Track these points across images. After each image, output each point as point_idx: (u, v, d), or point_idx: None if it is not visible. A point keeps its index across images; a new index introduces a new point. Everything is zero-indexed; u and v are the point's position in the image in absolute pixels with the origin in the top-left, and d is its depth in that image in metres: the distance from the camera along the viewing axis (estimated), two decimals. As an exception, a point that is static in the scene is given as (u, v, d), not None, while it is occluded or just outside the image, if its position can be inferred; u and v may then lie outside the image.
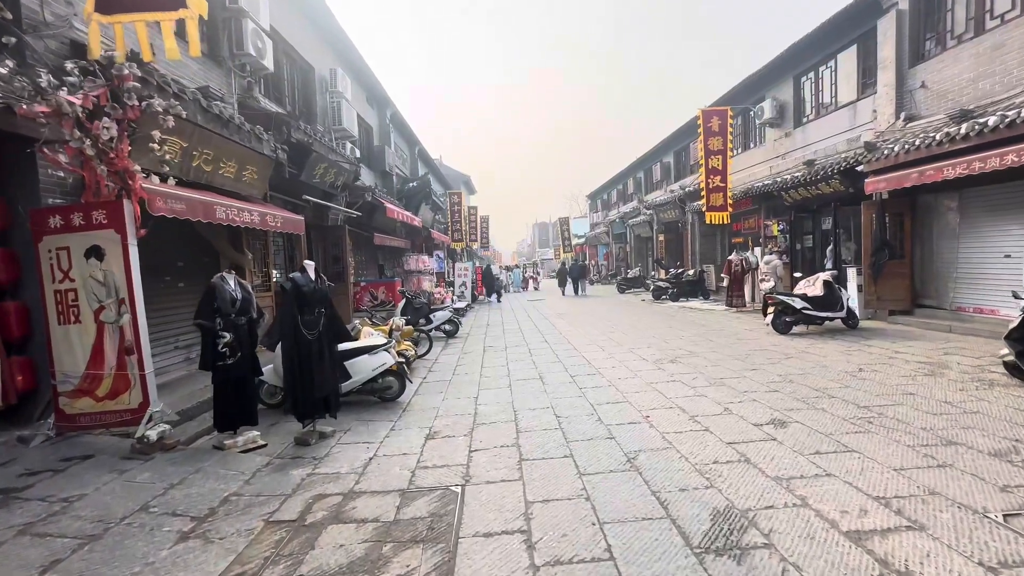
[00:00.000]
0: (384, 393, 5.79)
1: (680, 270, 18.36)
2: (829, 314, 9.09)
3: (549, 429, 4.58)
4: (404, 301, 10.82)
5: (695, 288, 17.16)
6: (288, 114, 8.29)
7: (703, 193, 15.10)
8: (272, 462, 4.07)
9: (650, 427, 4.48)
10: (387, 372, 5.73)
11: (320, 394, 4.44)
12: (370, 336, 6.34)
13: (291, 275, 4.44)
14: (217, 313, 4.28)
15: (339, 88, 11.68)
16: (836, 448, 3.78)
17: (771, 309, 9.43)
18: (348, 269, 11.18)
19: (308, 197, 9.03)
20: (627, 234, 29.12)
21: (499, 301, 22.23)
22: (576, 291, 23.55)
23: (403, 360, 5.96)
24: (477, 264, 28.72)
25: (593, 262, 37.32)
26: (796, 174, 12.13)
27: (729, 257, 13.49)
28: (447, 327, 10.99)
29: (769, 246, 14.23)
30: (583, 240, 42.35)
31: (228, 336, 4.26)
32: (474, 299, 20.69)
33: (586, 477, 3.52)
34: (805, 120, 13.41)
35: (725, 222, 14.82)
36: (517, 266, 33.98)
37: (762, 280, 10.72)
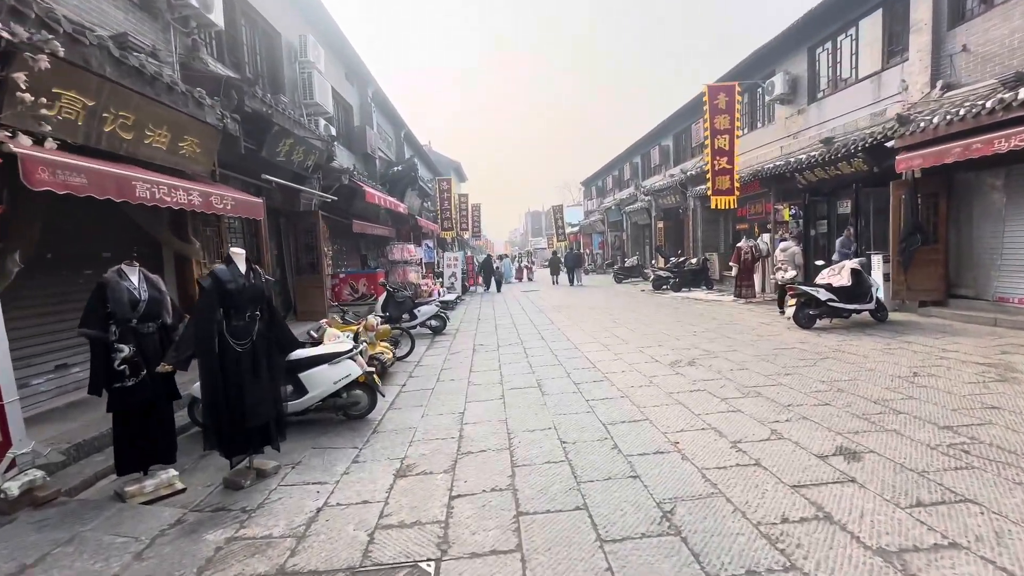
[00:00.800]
0: (351, 410, 4.76)
1: (682, 258, 17.40)
2: (857, 306, 8.17)
3: (553, 462, 3.58)
4: (385, 295, 9.76)
5: (698, 277, 16.23)
6: (243, 80, 7.13)
7: (708, 176, 14.09)
8: (185, 518, 3.04)
9: (682, 459, 3.49)
10: (353, 384, 4.70)
11: (255, 422, 3.39)
12: (335, 340, 5.28)
13: (212, 268, 3.36)
14: (111, 319, 3.21)
15: (310, 58, 10.46)
16: (942, 496, 2.81)
17: (792, 301, 8.49)
18: (323, 259, 10.07)
19: (269, 177, 7.90)
20: (623, 221, 28.12)
21: (499, 291, 21.54)
22: (572, 281, 22.59)
23: (373, 370, 4.92)
24: (468, 253, 27.64)
25: (588, 251, 36.33)
26: (812, 153, 11.14)
27: (738, 244, 12.53)
28: (433, 323, 9.95)
29: (780, 232, 13.26)
30: (577, 228, 41.29)
31: (127, 349, 3.20)
32: (465, 290, 19.67)
33: (609, 547, 2.53)
34: (820, 95, 12.40)
35: (732, 207, 13.83)
36: (507, 255, 32.77)
37: (778, 269, 9.78)
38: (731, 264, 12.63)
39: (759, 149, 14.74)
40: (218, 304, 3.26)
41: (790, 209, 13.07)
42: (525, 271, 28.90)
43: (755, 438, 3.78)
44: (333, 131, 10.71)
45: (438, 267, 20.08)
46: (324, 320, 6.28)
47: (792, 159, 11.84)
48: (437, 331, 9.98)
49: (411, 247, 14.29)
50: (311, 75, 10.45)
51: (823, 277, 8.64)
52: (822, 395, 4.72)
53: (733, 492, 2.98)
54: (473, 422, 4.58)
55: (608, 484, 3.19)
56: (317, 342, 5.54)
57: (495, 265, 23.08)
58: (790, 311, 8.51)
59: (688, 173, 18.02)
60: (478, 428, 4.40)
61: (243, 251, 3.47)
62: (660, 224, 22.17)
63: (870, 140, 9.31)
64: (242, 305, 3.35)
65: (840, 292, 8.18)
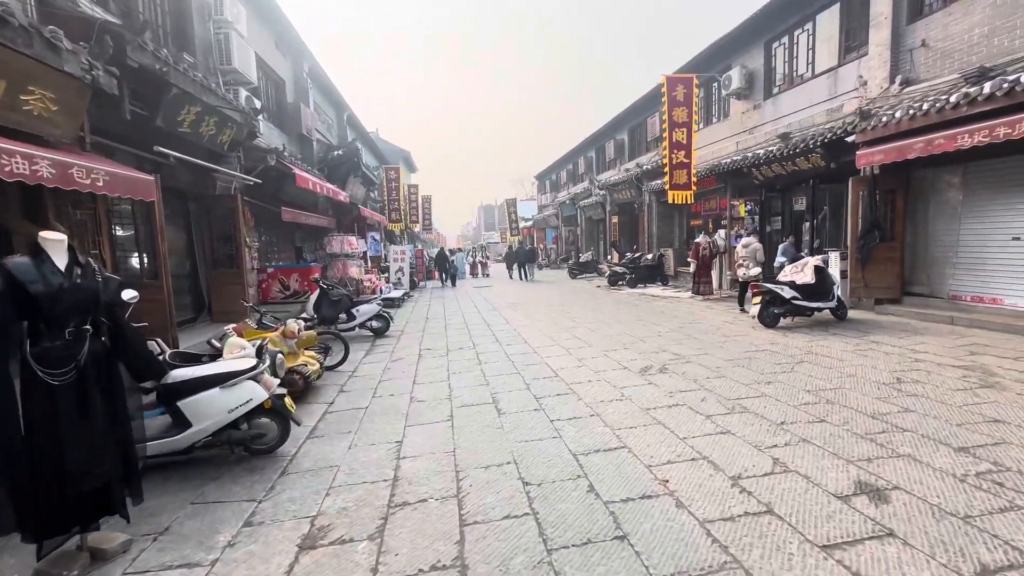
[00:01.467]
0: (254, 443, 3.71)
1: (637, 254, 17.12)
2: (819, 304, 7.94)
3: (514, 516, 2.75)
4: (318, 293, 8.58)
5: (654, 273, 15.99)
6: (125, 26, 5.73)
7: (665, 170, 13.75)
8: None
9: (677, 506, 2.77)
10: (258, 411, 3.66)
11: (81, 486, 2.32)
12: (238, 353, 4.19)
13: (4, 261, 2.23)
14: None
15: (227, 16, 8.98)
16: (1007, 557, 2.23)
17: (756, 299, 8.15)
18: (243, 250, 8.69)
19: (165, 150, 6.51)
20: (578, 216, 27.80)
21: (454, 285, 21.10)
22: (524, 276, 21.97)
23: (284, 392, 3.88)
24: (418, 247, 26.33)
25: (542, 246, 35.90)
26: (770, 148, 10.96)
27: (696, 240, 12.25)
28: (375, 324, 8.87)
29: (736, 228, 13.15)
30: (531, 223, 40.78)
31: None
32: (414, 286, 18.53)
33: (602, 672, 1.73)
34: (777, 91, 12.30)
35: (689, 202, 13.56)
36: (460, 249, 31.52)
37: (739, 265, 9.48)
38: (689, 260, 12.34)
39: (715, 144, 14.60)
40: (13, 315, 2.16)
41: (746, 205, 12.96)
42: (479, 266, 27.39)
43: (757, 471, 3.13)
44: (257, 104, 9.30)
45: (385, 261, 18.76)
46: (231, 326, 5.12)
47: (749, 154, 11.66)
48: (379, 333, 8.91)
49: (352, 239, 13.01)
50: (228, 36, 8.98)
51: (786, 274, 8.36)
52: (813, 409, 4.18)
53: (752, 559, 2.28)
54: (413, 455, 3.67)
55: (588, 553, 2.40)
56: (217, 354, 4.41)
57: (450, 259, 22.38)
58: (754, 309, 8.17)
59: (644, 167, 17.75)
60: (418, 464, 3.50)
61: (63, 236, 2.37)
62: (615, 219, 21.92)
63: (829, 135, 9.15)
64: (59, 316, 2.27)
65: (803, 289, 7.91)
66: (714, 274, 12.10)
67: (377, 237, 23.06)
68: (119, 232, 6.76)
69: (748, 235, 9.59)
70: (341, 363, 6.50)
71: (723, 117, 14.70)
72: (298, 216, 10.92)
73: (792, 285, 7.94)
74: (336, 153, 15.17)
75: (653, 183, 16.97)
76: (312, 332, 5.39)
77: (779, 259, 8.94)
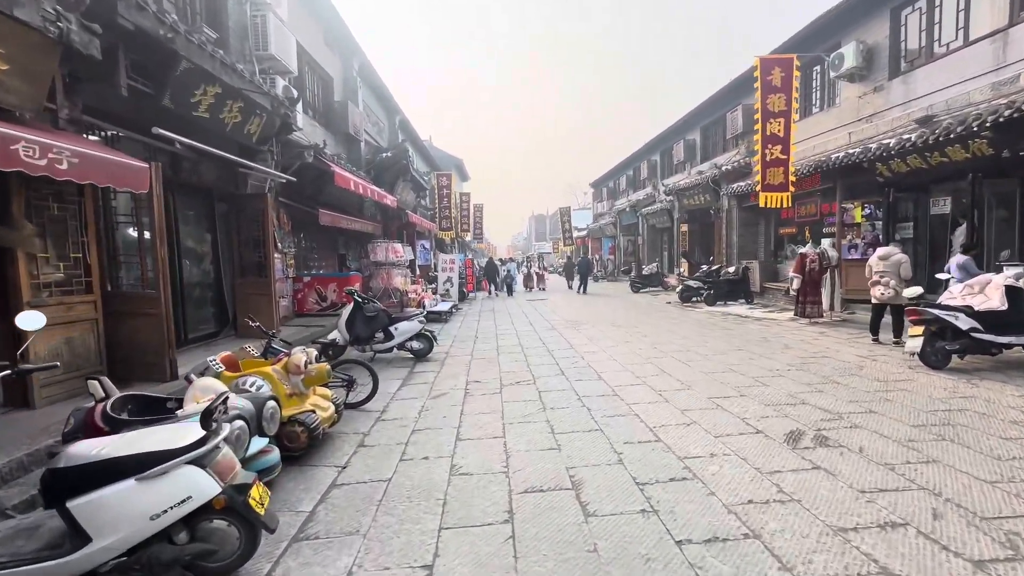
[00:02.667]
0: (198, 564, 2.30)
1: (715, 267, 14.96)
2: (1013, 339, 5.71)
3: None
4: (351, 307, 7.35)
5: (736, 289, 13.78)
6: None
7: (756, 168, 11.71)
8: None
9: None
10: (207, 512, 2.26)
11: None
12: (186, 415, 2.82)
13: None
14: None
15: (265, -4, 8.08)
16: None
17: (916, 330, 6.04)
18: (271, 256, 7.64)
19: (169, 133, 5.45)
20: (639, 225, 25.72)
21: (510, 294, 20.30)
22: (582, 288, 20.57)
23: (251, 480, 2.44)
24: (468, 256, 25.27)
25: (598, 256, 33.93)
26: (907, 136, 8.71)
27: (801, 250, 10.07)
28: (415, 345, 7.51)
29: (850, 236, 10.84)
30: (585, 232, 38.93)
31: None
32: (463, 297, 17.30)
33: None
34: (908, 67, 9.98)
35: (785, 205, 11.38)
36: (512, 259, 29.97)
37: (875, 282, 7.35)
38: (791, 275, 10.17)
39: (816, 138, 12.34)
40: None
41: (863, 208, 10.64)
42: (535, 278, 23.40)
43: None
44: (294, 93, 8.32)
45: (433, 271, 17.68)
46: (219, 356, 3.84)
47: (873, 145, 9.41)
48: (420, 355, 7.54)
49: (398, 246, 11.89)
50: (265, 19, 8.07)
51: (955, 297, 6.20)
52: None
53: None
54: (449, 607, 2.12)
55: None
56: (178, 406, 3.09)
57: (506, 268, 21.58)
58: (912, 343, 6.06)
59: (722, 168, 15.61)
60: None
61: None
62: (684, 227, 19.75)
63: (1010, 113, 6.88)
64: None
65: (986, 318, 5.74)
66: (824, 292, 9.87)
67: (427, 245, 22.20)
68: (130, 232, 5.78)
69: (891, 244, 7.41)
70: (368, 399, 5.12)
71: (828, 105, 12.41)
72: (338, 220, 9.87)
73: (970, 312, 5.79)
74: (385, 155, 14.24)
75: (734, 186, 14.82)
76: (324, 366, 4.03)
77: (954, 274, 6.73)
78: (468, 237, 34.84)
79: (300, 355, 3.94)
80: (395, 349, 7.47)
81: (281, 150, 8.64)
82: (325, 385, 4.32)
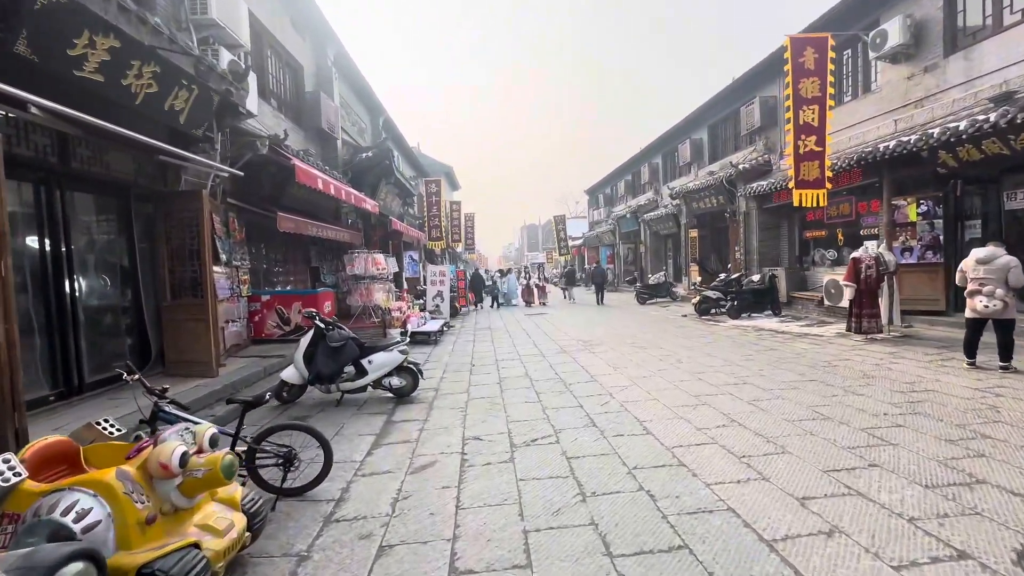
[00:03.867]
0: None
1: (735, 275, 13.47)
2: None
3: None
4: (311, 333, 5.69)
5: (762, 300, 12.28)
6: None
7: (787, 162, 10.34)
8: None
9: None
10: None
11: None
12: None
13: None
14: None
15: (202, -52, 6.49)
16: None
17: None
18: (209, 272, 5.94)
19: (8, 88, 3.79)
20: (641, 231, 24.33)
21: (497, 307, 19.41)
22: (599, 299, 19.28)
23: None
24: (460, 267, 23.64)
25: (593, 266, 32.42)
26: (980, 118, 7.30)
27: (854, 254, 8.56)
28: (395, 381, 5.83)
29: (903, 237, 9.40)
30: (581, 241, 37.56)
31: None
32: (455, 313, 15.64)
33: None
34: (970, 41, 8.64)
35: (822, 204, 9.97)
36: (510, 269, 28.03)
37: (974, 291, 5.85)
38: (844, 283, 8.67)
39: (853, 128, 10.99)
40: None
41: (918, 205, 9.21)
42: (536, 290, 20.12)
43: None
44: (243, 67, 6.69)
45: (422, 284, 16.02)
46: (27, 449, 2.17)
47: (934, 130, 8.00)
48: (402, 395, 5.87)
49: (379, 257, 10.23)
50: (204, -25, 6.47)
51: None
52: None
53: None
54: None
55: None
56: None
57: (494, 279, 20.47)
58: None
59: (739, 167, 14.20)
60: None
61: None
62: (693, 233, 18.33)
63: None
64: None
65: None
66: (882, 303, 8.37)
67: (416, 256, 20.59)
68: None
69: (994, 244, 5.90)
70: (316, 482, 3.43)
71: (864, 92, 11.09)
72: (304, 226, 8.18)
73: None
74: (365, 155, 12.63)
75: (753, 185, 13.42)
76: (219, 457, 2.34)
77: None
78: (459, 247, 33.27)
79: (173, 443, 2.25)
80: (370, 387, 5.80)
81: (230, 140, 7.00)
82: (237, 481, 2.62)
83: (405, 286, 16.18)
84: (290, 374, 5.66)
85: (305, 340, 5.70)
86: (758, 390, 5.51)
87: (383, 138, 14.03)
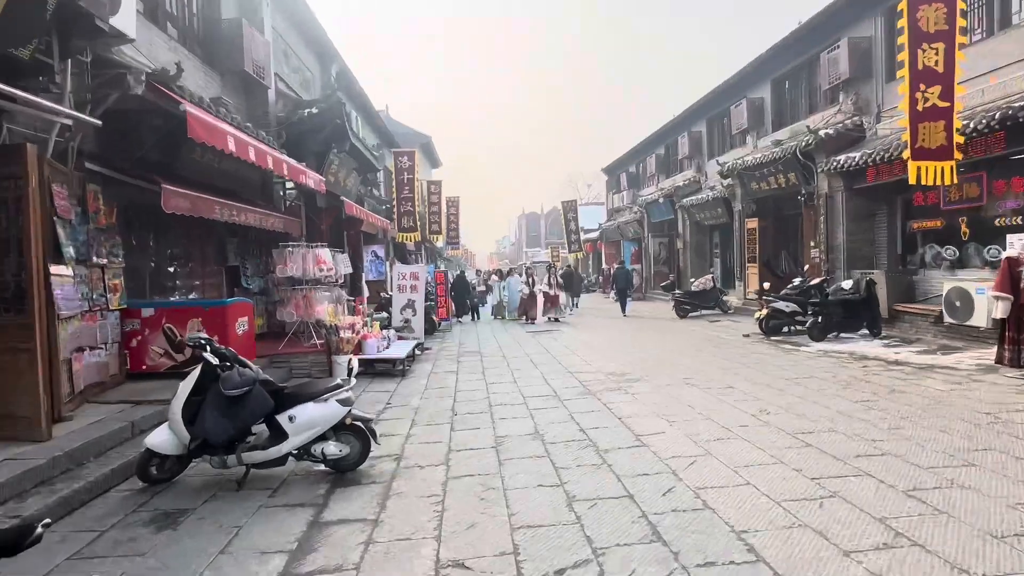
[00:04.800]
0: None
1: (816, 280, 12.39)
2: None
3: None
4: (197, 374, 4.51)
5: (855, 315, 11.19)
6: None
7: (902, 123, 9.33)
8: None
9: None
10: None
11: None
12: None
13: None
14: None
15: None
16: None
17: None
18: (36, 275, 4.72)
19: None
20: (678, 221, 23.28)
21: (476, 319, 19.34)
22: (623, 309, 19.06)
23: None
24: (440, 268, 22.44)
25: (613, 265, 31.36)
26: None
27: (1006, 254, 7.45)
28: (332, 448, 4.60)
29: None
30: (597, 234, 36.53)
31: None
32: (433, 329, 14.49)
33: None
34: None
35: (948, 181, 8.93)
36: (511, 271, 25.97)
37: None
38: (995, 295, 7.53)
39: (982, 78, 9.96)
40: None
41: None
42: (542, 301, 17.45)
43: None
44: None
45: (387, 290, 14.83)
46: None
47: None
48: (343, 468, 4.67)
49: (323, 253, 9.03)
50: None
51: None
52: None
53: None
54: None
55: None
56: None
57: (499, 286, 20.40)
58: None
59: (820, 133, 13.14)
60: None
61: None
62: (752, 223, 17.26)
63: None
64: None
65: None
66: (1049, 323, 7.26)
67: (380, 253, 19.42)
68: None
69: None
70: None
71: (1002, 26, 10.06)
72: (205, 206, 6.92)
73: None
74: (308, 111, 11.45)
75: (840, 158, 12.38)
76: None
77: None
78: (440, 241, 32.11)
79: None
80: (292, 458, 4.58)
81: (90, 74, 5.81)
82: None
83: (365, 293, 14.98)
84: (161, 439, 4.45)
85: (187, 384, 4.50)
86: (910, 466, 4.34)
87: (334, 90, 12.86)
